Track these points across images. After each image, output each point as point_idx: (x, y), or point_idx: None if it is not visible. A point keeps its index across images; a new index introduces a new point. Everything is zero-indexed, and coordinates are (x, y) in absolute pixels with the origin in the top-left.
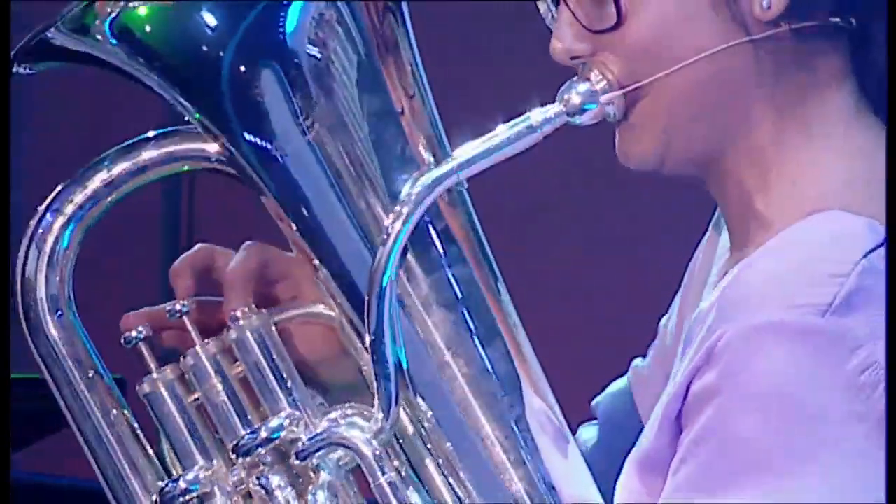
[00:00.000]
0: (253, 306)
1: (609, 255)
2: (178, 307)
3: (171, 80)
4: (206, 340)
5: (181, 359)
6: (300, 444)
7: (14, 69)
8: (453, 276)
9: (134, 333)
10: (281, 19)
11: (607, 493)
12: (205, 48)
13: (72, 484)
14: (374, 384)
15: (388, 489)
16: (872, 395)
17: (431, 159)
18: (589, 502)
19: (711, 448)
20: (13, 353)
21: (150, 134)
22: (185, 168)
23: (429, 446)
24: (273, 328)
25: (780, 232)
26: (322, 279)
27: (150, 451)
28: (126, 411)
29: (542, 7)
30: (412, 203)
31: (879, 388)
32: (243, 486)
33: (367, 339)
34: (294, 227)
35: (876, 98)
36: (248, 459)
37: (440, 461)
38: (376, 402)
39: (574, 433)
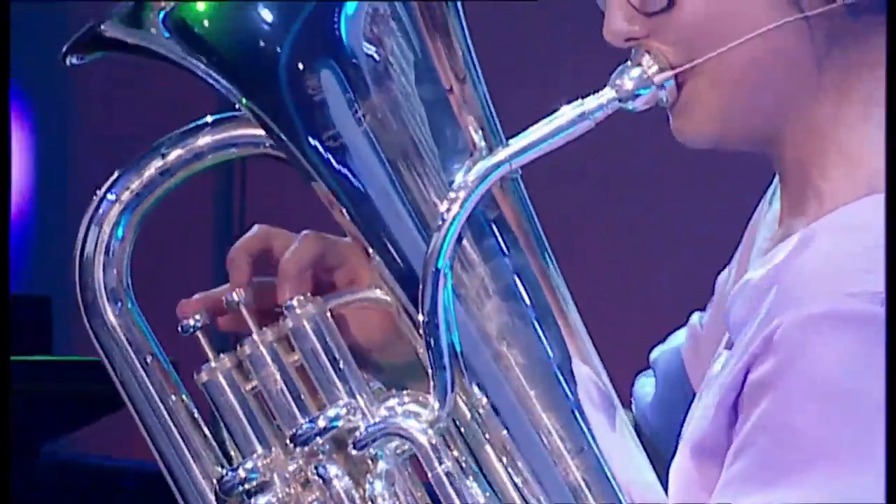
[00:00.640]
0: (308, 294)
1: (665, 242)
2: (234, 297)
3: (223, 72)
4: (263, 329)
5: (238, 347)
6: (358, 433)
7: (67, 61)
8: (509, 264)
9: (192, 322)
10: (336, 15)
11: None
12: (262, 43)
13: (139, 465)
14: (430, 371)
15: (444, 479)
16: None
17: (483, 144)
18: (633, 477)
19: (767, 440)
20: (75, 337)
21: (209, 119)
22: (236, 155)
23: (486, 435)
24: (329, 315)
25: (836, 210)
26: (375, 266)
27: (210, 437)
28: (185, 397)
29: None
30: (468, 189)
31: None
32: (301, 475)
33: (422, 327)
34: (346, 214)
35: None
36: (307, 448)
37: (497, 449)
38: (431, 390)
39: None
